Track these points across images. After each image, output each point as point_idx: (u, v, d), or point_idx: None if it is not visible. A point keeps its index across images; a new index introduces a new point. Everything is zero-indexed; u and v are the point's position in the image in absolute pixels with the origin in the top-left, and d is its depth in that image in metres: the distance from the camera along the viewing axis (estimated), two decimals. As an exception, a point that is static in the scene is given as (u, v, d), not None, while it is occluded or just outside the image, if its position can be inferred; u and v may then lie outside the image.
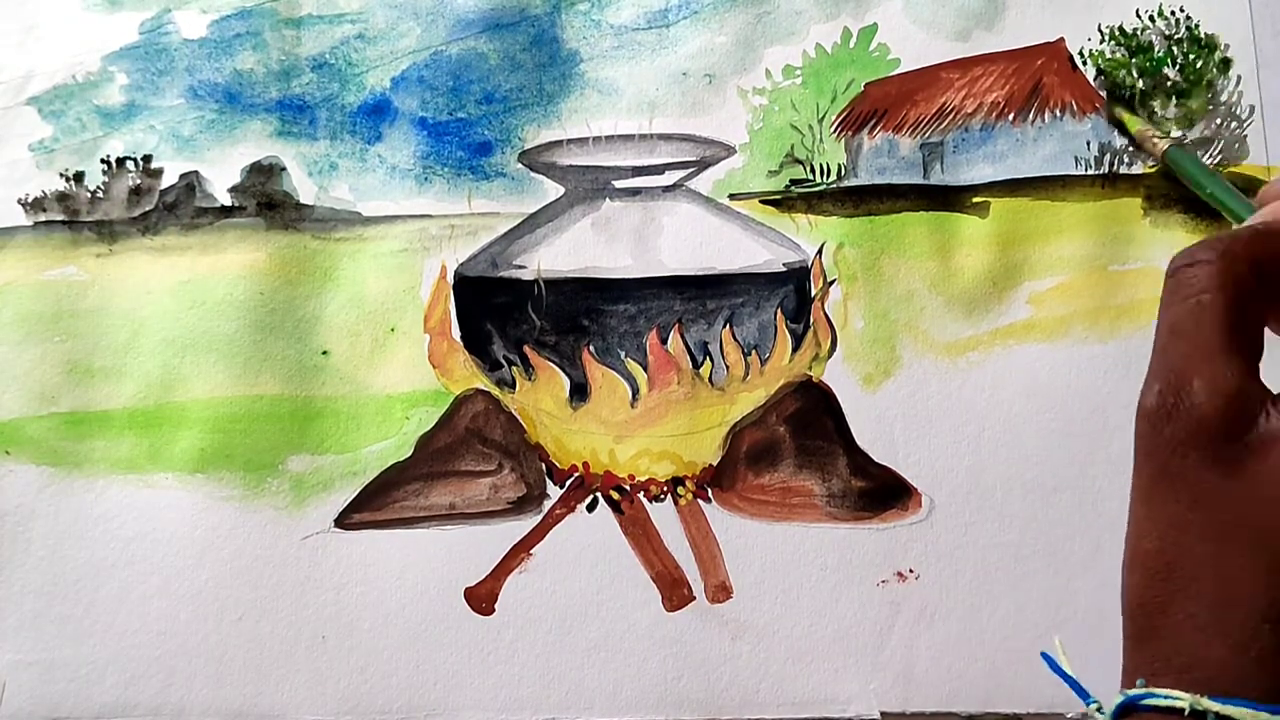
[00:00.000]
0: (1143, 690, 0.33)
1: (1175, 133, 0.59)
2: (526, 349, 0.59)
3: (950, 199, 0.59)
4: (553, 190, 0.62)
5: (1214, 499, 0.34)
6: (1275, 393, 0.34)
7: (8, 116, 0.64)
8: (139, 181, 0.63)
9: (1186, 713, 0.31)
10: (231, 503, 0.57)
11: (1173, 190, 0.59)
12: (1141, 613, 0.36)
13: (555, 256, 0.60)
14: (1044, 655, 0.49)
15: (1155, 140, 0.52)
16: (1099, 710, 0.36)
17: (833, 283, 0.59)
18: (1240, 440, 0.33)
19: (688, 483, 0.57)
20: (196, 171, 0.63)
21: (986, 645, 0.53)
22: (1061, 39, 0.61)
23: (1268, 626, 0.32)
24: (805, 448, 0.57)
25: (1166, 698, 0.32)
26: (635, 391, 0.58)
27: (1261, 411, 0.33)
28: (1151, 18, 0.61)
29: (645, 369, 0.58)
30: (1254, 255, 0.35)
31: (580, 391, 0.59)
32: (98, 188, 0.63)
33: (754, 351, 0.58)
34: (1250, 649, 0.32)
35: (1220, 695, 0.31)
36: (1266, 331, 0.35)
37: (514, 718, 0.54)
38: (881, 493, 0.56)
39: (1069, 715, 0.52)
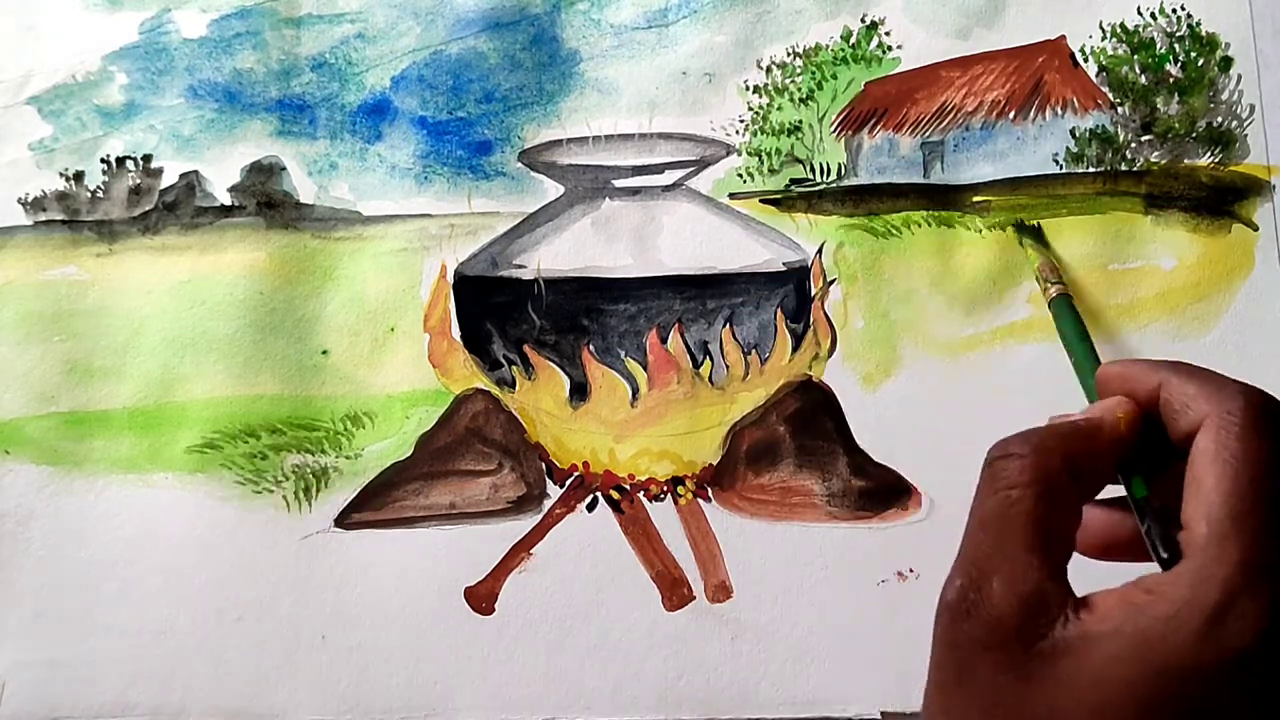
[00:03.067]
0: None
1: (1178, 131, 0.59)
2: (526, 348, 0.59)
3: (951, 198, 0.59)
4: (553, 190, 0.61)
5: (1004, 703, 0.32)
6: (1080, 596, 0.32)
7: (8, 116, 0.64)
8: (139, 181, 0.63)
9: None
10: (231, 503, 0.57)
11: (1174, 188, 0.58)
12: None
13: (555, 256, 0.60)
14: None
15: (1048, 285, 0.52)
16: None
17: (833, 282, 0.59)
18: (1036, 645, 0.31)
19: (688, 482, 0.57)
20: (196, 171, 0.63)
21: (986, 645, 0.53)
22: (1063, 36, 0.61)
23: None
24: (805, 447, 0.57)
25: None
26: (635, 391, 0.58)
27: (1060, 616, 0.32)
28: (1153, 15, 0.61)
29: (645, 368, 0.58)
30: (1068, 452, 0.34)
31: (580, 391, 0.59)
32: (98, 187, 0.63)
33: (754, 351, 0.58)
34: None
35: None
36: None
37: (514, 718, 0.54)
38: (881, 492, 0.56)
39: (1069, 715, 0.52)
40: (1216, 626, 0.30)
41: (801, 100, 0.62)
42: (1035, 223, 0.59)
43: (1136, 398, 0.37)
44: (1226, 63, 0.60)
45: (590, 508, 0.57)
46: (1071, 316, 0.50)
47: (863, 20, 0.62)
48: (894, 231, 0.59)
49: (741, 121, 0.62)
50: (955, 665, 0.34)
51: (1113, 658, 0.30)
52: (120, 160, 0.63)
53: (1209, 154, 0.59)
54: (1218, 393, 0.34)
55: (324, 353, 0.60)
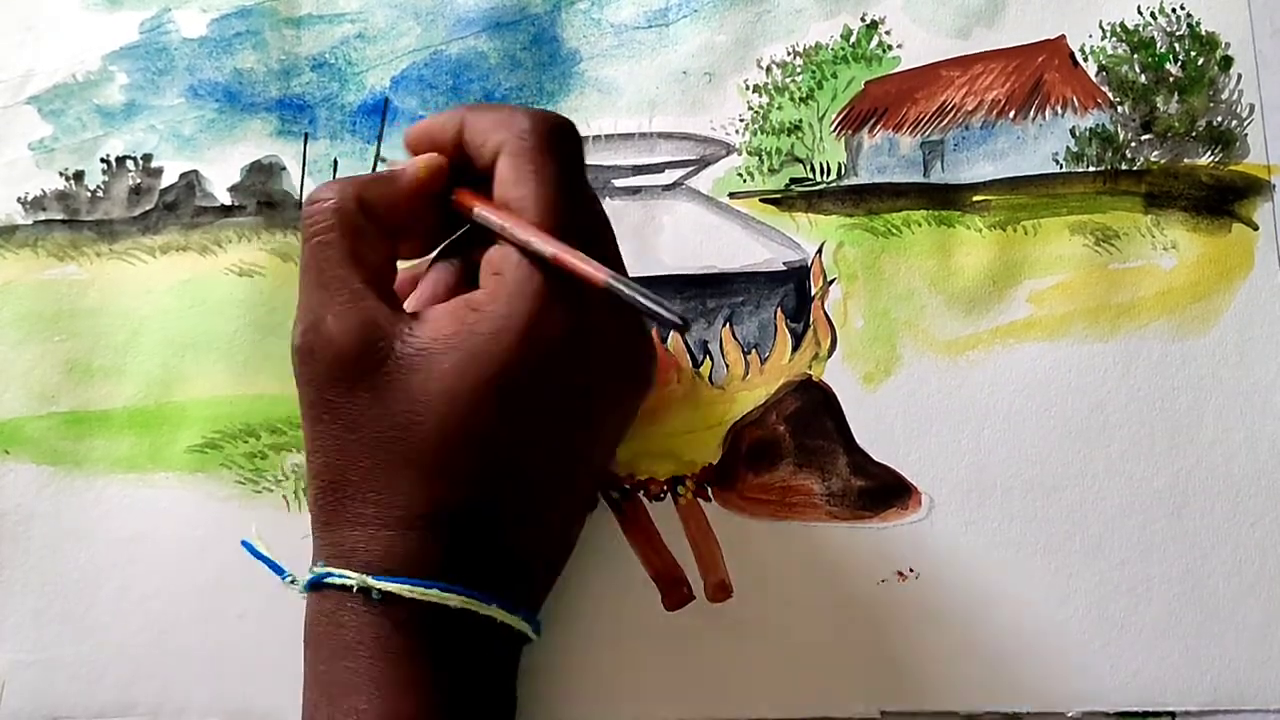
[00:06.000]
0: (324, 570, 0.41)
1: (1178, 130, 0.59)
2: (526, 348, 0.59)
3: (951, 197, 0.59)
4: (552, 189, 0.61)
5: (366, 421, 0.38)
6: (413, 312, 0.38)
7: (8, 116, 0.64)
8: (139, 181, 0.63)
9: (355, 588, 0.39)
10: (231, 502, 0.57)
11: (1174, 187, 0.58)
12: (320, 511, 0.41)
13: (555, 255, 0.60)
14: (244, 543, 0.52)
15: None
16: (293, 583, 0.45)
17: (833, 281, 0.59)
18: (383, 365, 0.37)
19: (688, 481, 0.57)
20: (196, 171, 0.63)
21: (986, 645, 0.53)
22: (1062, 36, 0.61)
23: (421, 521, 0.38)
24: (805, 447, 0.57)
25: (340, 576, 0.39)
26: (635, 390, 0.58)
27: (397, 335, 0.37)
28: (1153, 14, 0.61)
29: (645, 368, 0.58)
30: (363, 196, 0.39)
31: (580, 391, 0.58)
32: (98, 187, 0.63)
33: (754, 350, 0.58)
34: (408, 539, 0.38)
35: (382, 575, 0.39)
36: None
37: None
38: (881, 492, 0.56)
39: (1069, 714, 0.52)
40: (532, 333, 0.37)
41: (801, 99, 0.62)
42: None
43: (444, 148, 0.42)
44: (1226, 62, 0.60)
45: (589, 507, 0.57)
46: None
47: (863, 19, 0.62)
48: (894, 231, 0.59)
49: (741, 121, 0.62)
50: (317, 399, 0.39)
51: (452, 371, 0.36)
52: (120, 160, 0.63)
53: (1209, 153, 0.59)
54: (510, 119, 0.39)
55: (324, 352, 0.59)
